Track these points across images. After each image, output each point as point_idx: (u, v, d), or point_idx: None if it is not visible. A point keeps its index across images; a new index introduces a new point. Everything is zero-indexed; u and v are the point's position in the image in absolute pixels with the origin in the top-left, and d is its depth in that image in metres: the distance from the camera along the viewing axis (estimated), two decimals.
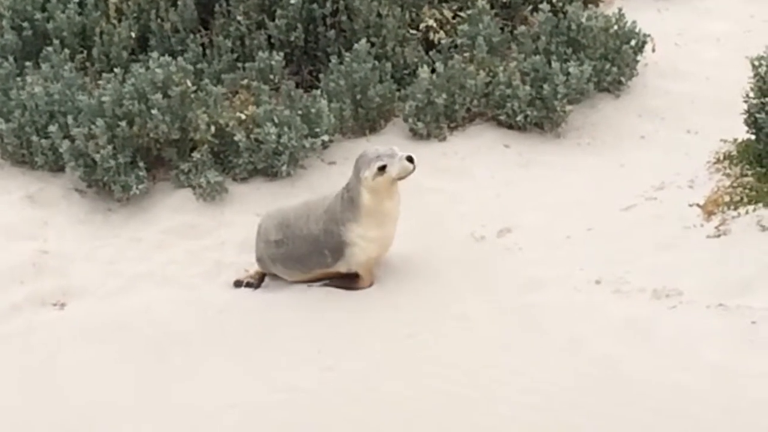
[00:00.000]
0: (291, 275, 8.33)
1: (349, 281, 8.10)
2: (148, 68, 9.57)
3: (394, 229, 8.05)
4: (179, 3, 10.57)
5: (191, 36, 10.49)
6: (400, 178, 7.75)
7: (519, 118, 9.80)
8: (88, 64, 10.44)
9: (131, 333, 7.79)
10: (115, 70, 9.87)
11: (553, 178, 9.30)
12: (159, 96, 9.30)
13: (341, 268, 8.08)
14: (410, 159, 7.67)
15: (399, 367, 6.92)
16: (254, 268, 8.51)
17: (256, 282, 8.44)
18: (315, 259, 8.14)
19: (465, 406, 6.36)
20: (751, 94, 8.29)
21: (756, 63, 8.27)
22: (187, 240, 8.98)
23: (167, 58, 9.66)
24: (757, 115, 8.19)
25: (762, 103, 8.16)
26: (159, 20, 10.56)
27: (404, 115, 9.98)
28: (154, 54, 9.77)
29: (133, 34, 10.50)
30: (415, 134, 9.90)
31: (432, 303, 7.71)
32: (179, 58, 9.79)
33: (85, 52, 10.48)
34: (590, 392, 6.36)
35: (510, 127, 9.95)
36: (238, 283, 8.43)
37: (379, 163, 7.69)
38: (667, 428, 5.95)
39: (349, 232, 7.92)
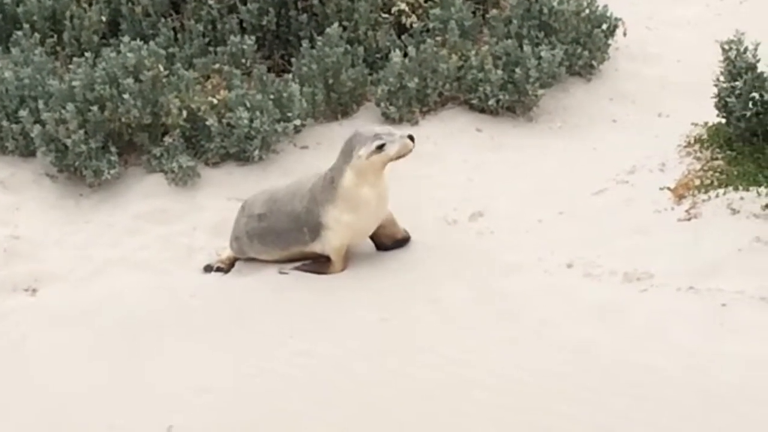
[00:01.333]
0: (267, 253, 8.30)
1: (319, 266, 8.09)
2: (119, 52, 9.55)
3: (373, 219, 7.98)
4: None
5: (162, 20, 10.47)
6: (399, 158, 7.66)
7: (491, 102, 9.82)
8: (58, 48, 10.41)
9: (103, 318, 7.77)
10: (86, 54, 9.84)
11: (524, 162, 9.33)
12: (130, 80, 9.28)
13: (316, 248, 8.06)
14: (411, 138, 7.60)
15: (372, 351, 6.92)
16: (226, 252, 8.50)
17: (227, 267, 8.43)
18: (294, 236, 8.10)
19: (438, 390, 6.37)
20: (722, 78, 8.31)
21: (726, 47, 8.29)
22: (158, 225, 8.97)
23: (138, 42, 9.64)
24: (728, 99, 8.22)
25: (732, 86, 8.19)
26: (130, 4, 10.53)
27: (376, 99, 9.98)
28: (125, 38, 9.76)
29: (103, 18, 10.48)
30: (388, 118, 9.91)
31: (405, 287, 7.72)
32: (150, 43, 9.77)
33: (56, 36, 10.45)
34: (563, 375, 6.37)
35: (482, 111, 9.96)
36: (208, 268, 8.42)
37: (378, 142, 7.61)
38: (640, 410, 5.97)
39: (325, 214, 7.89)
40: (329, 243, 7.98)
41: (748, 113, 8.07)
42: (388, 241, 8.18)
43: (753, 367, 6.16)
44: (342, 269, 8.06)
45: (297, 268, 8.16)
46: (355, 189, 7.78)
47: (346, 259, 8.09)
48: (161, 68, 9.48)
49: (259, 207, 8.29)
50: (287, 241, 8.17)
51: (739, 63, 8.20)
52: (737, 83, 8.14)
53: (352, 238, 8.04)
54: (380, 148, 7.61)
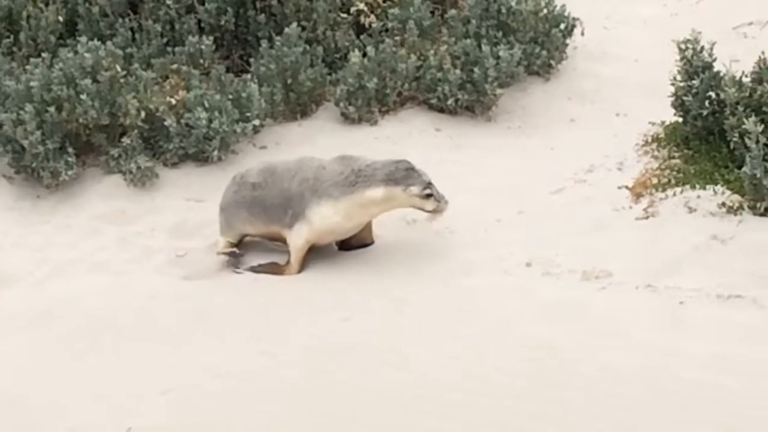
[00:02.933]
0: (251, 224, 8.29)
1: (275, 267, 8.12)
2: (76, 53, 9.50)
3: (356, 228, 8.08)
4: None
5: (120, 20, 10.42)
6: (424, 211, 7.84)
7: (450, 101, 9.83)
8: (15, 48, 10.32)
9: (62, 320, 7.73)
10: (43, 54, 9.77)
11: (484, 161, 9.35)
12: (88, 81, 9.23)
13: (286, 235, 8.06)
14: (447, 204, 7.80)
15: (333, 351, 6.92)
16: (221, 242, 8.46)
17: (229, 251, 8.41)
18: (279, 214, 8.08)
19: (399, 388, 6.37)
20: (678, 77, 8.37)
21: (682, 46, 8.35)
22: (117, 226, 8.94)
23: (96, 42, 9.58)
24: (684, 98, 8.28)
25: (688, 86, 8.25)
26: (87, 4, 10.47)
27: (335, 100, 9.98)
28: (83, 38, 9.69)
29: (60, 18, 10.40)
30: (347, 118, 9.91)
31: (365, 286, 7.73)
32: (108, 43, 9.71)
33: (12, 36, 10.36)
34: (522, 374, 6.39)
35: (441, 110, 9.98)
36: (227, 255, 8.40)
37: (428, 191, 7.73)
38: (598, 408, 5.99)
39: (315, 207, 7.90)
40: (299, 236, 7.98)
41: (705, 112, 8.14)
42: (356, 243, 8.20)
43: (708, 364, 6.21)
44: (298, 272, 8.07)
45: (252, 269, 8.15)
46: (372, 204, 7.85)
47: (303, 262, 8.08)
48: (119, 68, 9.44)
49: (255, 176, 8.27)
50: (272, 216, 8.15)
51: (695, 62, 8.27)
52: (694, 82, 8.21)
53: (322, 239, 8.06)
54: (427, 197, 7.76)
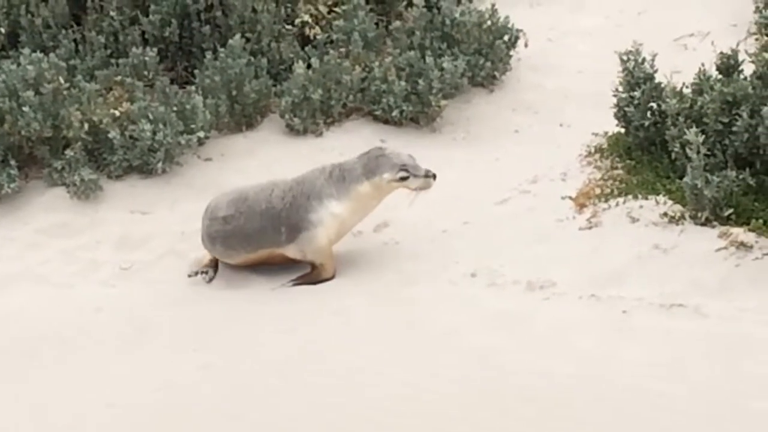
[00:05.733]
0: (230, 256, 8.23)
1: (311, 276, 7.99)
2: (19, 65, 9.45)
3: (360, 221, 8.13)
4: None
5: (63, 32, 10.36)
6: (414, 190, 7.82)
7: (395, 113, 9.85)
8: None
9: (4, 333, 7.67)
10: None
11: None
12: (30, 93, 9.18)
13: (290, 250, 7.99)
14: (434, 176, 7.76)
15: (277, 362, 6.91)
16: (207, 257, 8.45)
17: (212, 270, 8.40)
18: (268, 236, 8.00)
19: (342, 399, 6.38)
20: (621, 88, 8.45)
21: (624, 57, 8.43)
22: (61, 239, 8.88)
23: (39, 54, 9.54)
24: (626, 109, 8.35)
25: (631, 96, 8.32)
26: (29, 15, 10.40)
27: (280, 111, 9.97)
28: (25, 50, 9.64)
29: (2, 30, 10.34)
30: (292, 130, 9.90)
31: (310, 298, 7.73)
32: (51, 55, 9.67)
33: None
34: (467, 383, 6.41)
35: (386, 122, 9.99)
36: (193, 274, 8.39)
37: (403, 174, 7.73)
38: (542, 417, 6.03)
39: (320, 209, 7.86)
40: (315, 242, 7.90)
41: (647, 123, 8.21)
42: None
43: (650, 372, 6.26)
44: (333, 272, 8.00)
45: (295, 283, 8.02)
46: (366, 198, 7.89)
47: (334, 261, 8.03)
48: (62, 80, 9.39)
49: (224, 209, 8.16)
50: (258, 242, 8.06)
51: (637, 73, 8.35)
52: (636, 93, 8.28)
53: (339, 236, 8.03)
54: (403, 179, 7.74)
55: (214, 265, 8.40)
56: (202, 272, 8.35)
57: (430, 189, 7.82)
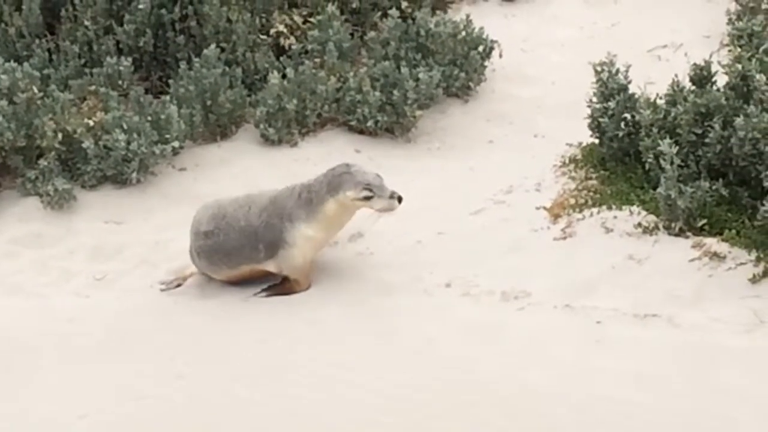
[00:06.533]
0: (214, 271, 8.19)
1: (284, 287, 7.97)
2: None
3: (335, 236, 8.10)
4: (24, 7, 10.39)
5: (37, 41, 10.32)
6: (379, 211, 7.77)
7: (370, 123, 9.85)
8: None
9: None
10: None
11: (403, 182, 9.28)
12: (4, 102, 9.14)
13: (270, 266, 7.95)
14: (399, 199, 7.66)
15: (251, 373, 6.91)
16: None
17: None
18: (246, 253, 7.96)
19: (317, 409, 6.38)
20: (594, 99, 8.48)
21: (598, 68, 8.46)
22: (34, 249, 8.84)
23: (12, 63, 9.50)
24: (600, 120, 8.38)
25: (604, 107, 8.36)
26: (3, 25, 10.36)
27: (255, 121, 9.96)
28: None
29: None
30: (267, 140, 9.89)
31: (284, 308, 7.72)
32: (25, 64, 9.63)
33: None
34: (442, 393, 6.43)
35: (361, 132, 9.99)
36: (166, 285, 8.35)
37: (366, 194, 7.63)
38: (518, 427, 6.05)
39: (293, 230, 7.81)
40: (292, 260, 7.87)
41: (620, 133, 8.24)
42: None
43: (624, 382, 6.29)
44: (308, 285, 7.96)
45: (266, 292, 8.01)
46: (334, 216, 7.78)
47: (311, 273, 8.00)
48: (36, 90, 9.35)
49: (205, 224, 8.12)
50: (237, 259, 8.03)
51: (611, 84, 8.38)
52: (610, 104, 8.31)
53: (316, 251, 7.99)
54: (367, 198, 7.65)
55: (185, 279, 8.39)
56: (177, 285, 8.33)
57: (393, 212, 7.76)
